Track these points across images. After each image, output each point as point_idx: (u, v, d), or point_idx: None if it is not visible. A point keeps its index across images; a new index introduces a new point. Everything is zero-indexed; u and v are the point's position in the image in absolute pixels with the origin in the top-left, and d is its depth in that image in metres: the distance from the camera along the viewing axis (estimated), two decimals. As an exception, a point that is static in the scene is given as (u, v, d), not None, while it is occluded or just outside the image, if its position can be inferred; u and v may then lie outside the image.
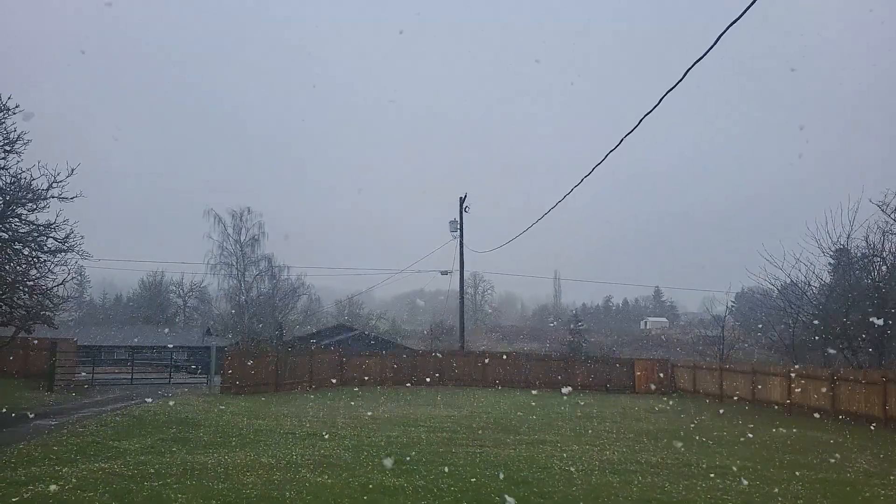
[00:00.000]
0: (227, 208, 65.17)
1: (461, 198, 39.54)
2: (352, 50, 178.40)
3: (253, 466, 10.14)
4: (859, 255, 27.82)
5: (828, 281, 29.90)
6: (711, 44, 8.26)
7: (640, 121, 10.99)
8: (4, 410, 16.62)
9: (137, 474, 9.25)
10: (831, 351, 26.97)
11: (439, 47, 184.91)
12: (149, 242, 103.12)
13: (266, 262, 62.03)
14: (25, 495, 7.87)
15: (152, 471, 9.53)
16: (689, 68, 8.95)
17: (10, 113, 22.08)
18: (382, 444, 13.10)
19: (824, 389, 22.69)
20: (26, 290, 23.45)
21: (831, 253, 28.46)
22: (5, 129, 22.15)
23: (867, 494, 9.80)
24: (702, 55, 8.61)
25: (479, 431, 15.89)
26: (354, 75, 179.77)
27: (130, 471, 9.48)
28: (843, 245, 27.72)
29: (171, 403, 20.66)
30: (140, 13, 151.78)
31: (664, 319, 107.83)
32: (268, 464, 10.43)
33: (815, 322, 28.11)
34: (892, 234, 25.53)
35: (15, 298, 23.50)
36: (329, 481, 9.27)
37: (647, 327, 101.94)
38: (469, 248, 39.46)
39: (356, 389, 30.45)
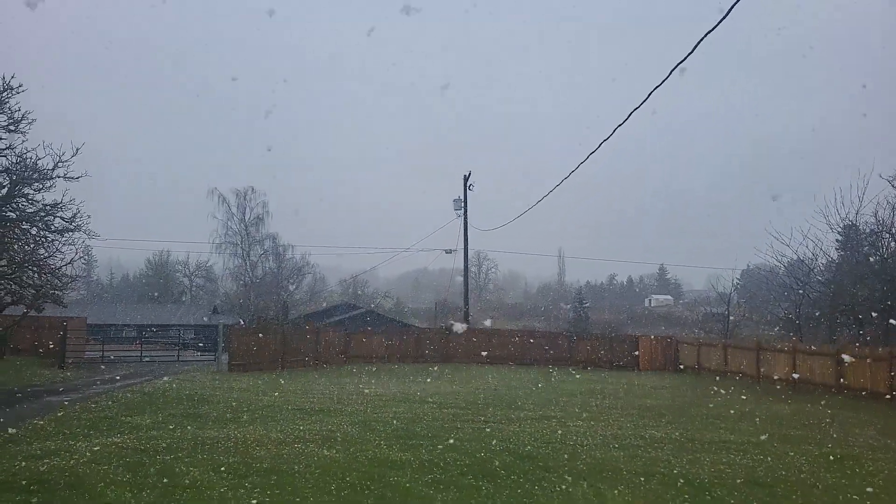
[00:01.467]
0: (232, 188, 65.29)
1: (465, 176, 39.49)
2: (356, 28, 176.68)
3: (262, 441, 10.29)
4: (868, 230, 27.70)
5: (835, 257, 29.85)
6: (723, 15, 8.18)
7: (628, 116, 11.04)
8: (17, 387, 16.87)
9: (150, 448, 9.40)
10: (837, 327, 27.01)
11: (443, 25, 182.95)
12: (154, 222, 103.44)
13: (270, 241, 62.37)
14: (41, 468, 8.03)
15: (164, 445, 9.68)
16: (697, 44, 8.88)
17: (13, 92, 22.08)
18: (389, 419, 13.24)
19: (830, 366, 22.78)
20: (35, 269, 23.65)
21: (839, 229, 28.40)
22: (9, 109, 22.14)
23: (870, 468, 9.89)
24: (712, 27, 8.53)
25: (484, 407, 16.03)
26: (360, 54, 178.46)
27: (143, 445, 9.64)
28: (851, 221, 27.64)
29: (181, 380, 20.91)
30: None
31: (669, 297, 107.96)
32: (277, 438, 10.57)
33: (822, 298, 28.12)
34: (902, 209, 25.39)
35: (24, 278, 23.72)
36: (337, 455, 9.41)
37: (652, 305, 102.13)
38: (473, 226, 39.56)
39: (362, 367, 30.71)
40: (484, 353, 35.18)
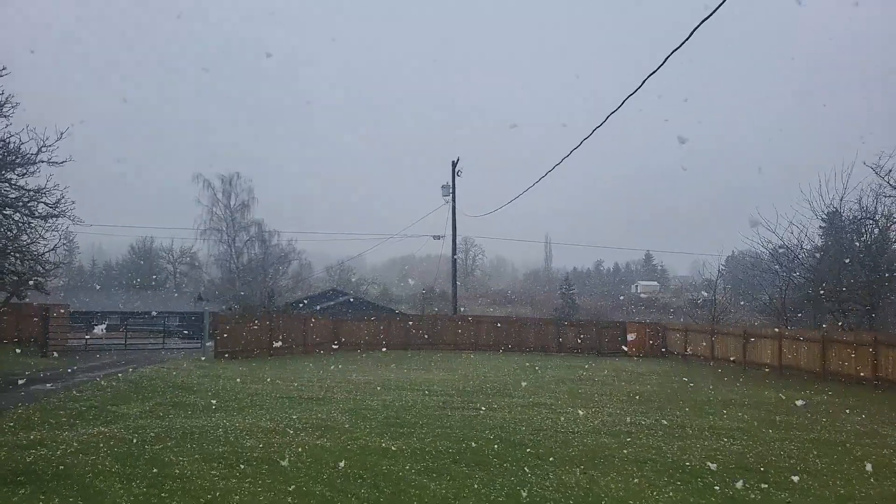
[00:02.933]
0: (217, 173, 64.60)
1: (453, 161, 39.32)
2: (345, 16, 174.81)
3: (252, 430, 10.20)
4: (852, 217, 27.94)
5: (820, 244, 30.09)
6: (718, 4, 8.10)
7: (622, 103, 11.09)
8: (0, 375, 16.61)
9: (138, 438, 9.28)
10: (822, 313, 27.28)
11: (432, 14, 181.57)
12: (138, 208, 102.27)
13: (256, 227, 61.76)
14: (28, 459, 7.89)
15: (152, 434, 9.57)
16: (692, 32, 8.79)
17: (-3, 75, 21.57)
18: (378, 407, 13.20)
19: (815, 351, 23.02)
20: (17, 255, 23.25)
21: (823, 216, 28.58)
22: (-8, 92, 21.65)
23: (858, 454, 9.99)
24: (707, 15, 8.45)
25: (474, 395, 16.03)
26: (346, 40, 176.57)
27: (130, 434, 9.51)
28: (835, 208, 27.81)
29: (167, 369, 20.71)
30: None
31: (655, 283, 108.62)
32: (266, 427, 10.49)
33: (807, 284, 28.37)
34: (885, 196, 25.60)
35: (6, 264, 23.31)
36: (328, 444, 9.35)
37: (638, 291, 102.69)
38: (461, 212, 39.41)
39: (350, 354, 30.63)
40: (472, 341, 35.21)
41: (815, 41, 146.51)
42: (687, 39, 8.91)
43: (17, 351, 24.00)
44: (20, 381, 15.74)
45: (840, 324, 26.35)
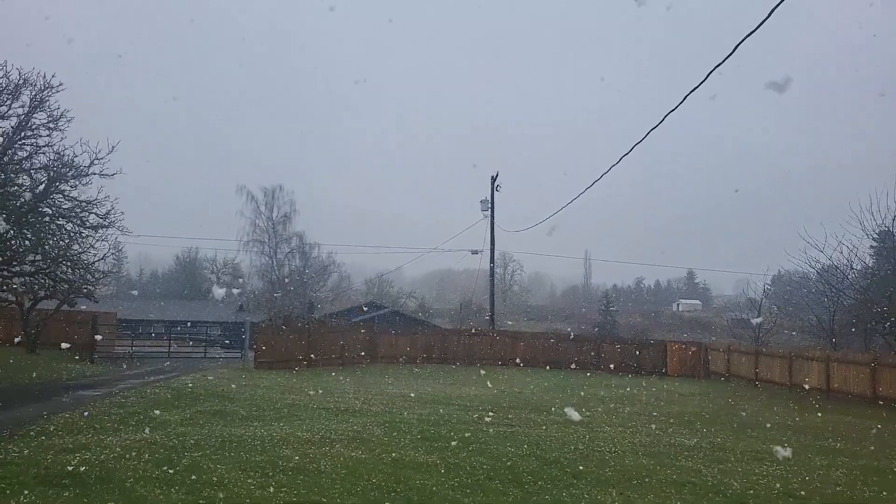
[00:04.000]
0: (260, 185, 65.95)
1: (493, 177, 39.33)
2: (385, 31, 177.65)
3: (288, 440, 10.30)
4: (904, 237, 26.97)
5: (870, 264, 29.11)
6: (763, 18, 7.98)
7: (663, 119, 10.90)
8: (48, 381, 17.18)
9: (178, 444, 9.46)
10: (873, 336, 26.30)
11: (474, 28, 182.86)
12: (184, 219, 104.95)
13: (297, 239, 62.64)
14: (73, 462, 8.12)
15: (192, 441, 9.74)
16: (734, 49, 8.67)
17: (53, 91, 22.48)
18: (414, 421, 13.19)
19: (865, 375, 22.19)
20: (69, 264, 24.08)
21: (875, 235, 27.66)
22: (49, 107, 22.56)
23: (910, 483, 9.57)
24: (749, 32, 8.33)
25: (510, 411, 15.91)
26: (386, 56, 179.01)
27: (171, 441, 9.71)
28: (887, 227, 26.91)
29: (208, 377, 21.11)
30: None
31: (697, 302, 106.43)
32: (303, 438, 10.58)
33: (857, 305, 27.43)
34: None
35: (58, 273, 24.15)
36: (363, 456, 9.38)
37: (680, 310, 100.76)
38: (499, 227, 39.39)
39: (386, 367, 30.75)
40: (508, 356, 34.99)
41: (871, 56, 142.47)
42: (730, 55, 8.79)
43: (66, 357, 24.77)
44: (68, 387, 16.25)
45: (893, 348, 25.36)
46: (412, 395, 18.57)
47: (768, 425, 15.45)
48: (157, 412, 12.88)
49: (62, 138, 23.23)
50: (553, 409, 16.69)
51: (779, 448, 10.88)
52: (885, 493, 8.78)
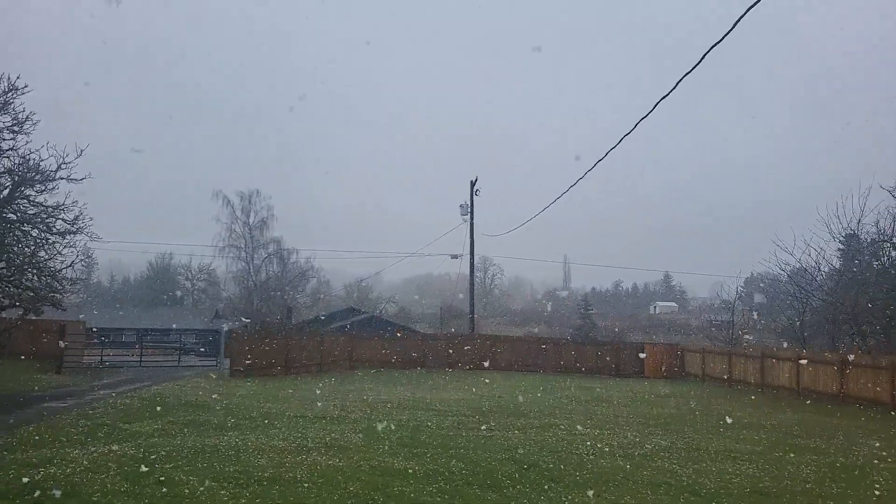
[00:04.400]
0: (236, 191, 65.30)
1: (472, 181, 39.37)
2: (357, 34, 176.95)
3: (264, 449, 10.17)
4: (869, 240, 27.61)
5: (837, 266, 29.71)
6: (729, 28, 8.08)
7: (635, 126, 11.02)
8: (13, 392, 16.75)
9: (148, 456, 9.28)
10: (840, 336, 26.82)
11: (446, 32, 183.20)
12: (157, 224, 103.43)
13: (275, 244, 62.19)
14: (37, 477, 7.91)
15: (163, 453, 9.56)
16: (703, 56, 8.78)
17: (18, 93, 22.03)
18: (392, 427, 13.11)
19: (833, 374, 22.59)
20: (35, 271, 23.56)
21: (841, 238, 28.28)
22: (14, 110, 22.10)
23: (875, 478, 9.74)
24: (717, 41, 8.43)
25: (489, 415, 15.89)
26: (363, 60, 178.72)
27: (141, 453, 9.52)
28: (853, 230, 27.53)
29: (181, 386, 20.78)
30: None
31: (674, 304, 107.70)
32: (279, 446, 10.45)
33: (825, 307, 27.96)
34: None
35: (23, 280, 23.62)
36: (340, 464, 9.29)
37: (657, 312, 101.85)
38: (479, 231, 39.40)
39: (366, 372, 30.57)
40: (488, 361, 35.01)
41: (835, 60, 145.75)
42: (699, 63, 8.90)
43: (33, 367, 24.19)
44: (34, 398, 15.88)
45: (859, 346, 25.89)
46: (391, 401, 18.48)
47: (740, 425, 15.63)
48: (127, 423, 12.63)
49: (27, 142, 22.79)
50: (531, 412, 16.72)
51: (752, 446, 10.99)
52: (850, 491, 8.91)
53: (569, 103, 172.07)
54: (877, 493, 8.76)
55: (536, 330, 67.54)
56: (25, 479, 7.78)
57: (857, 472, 10.17)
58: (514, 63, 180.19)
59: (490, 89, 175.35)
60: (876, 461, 11.23)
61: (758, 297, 47.44)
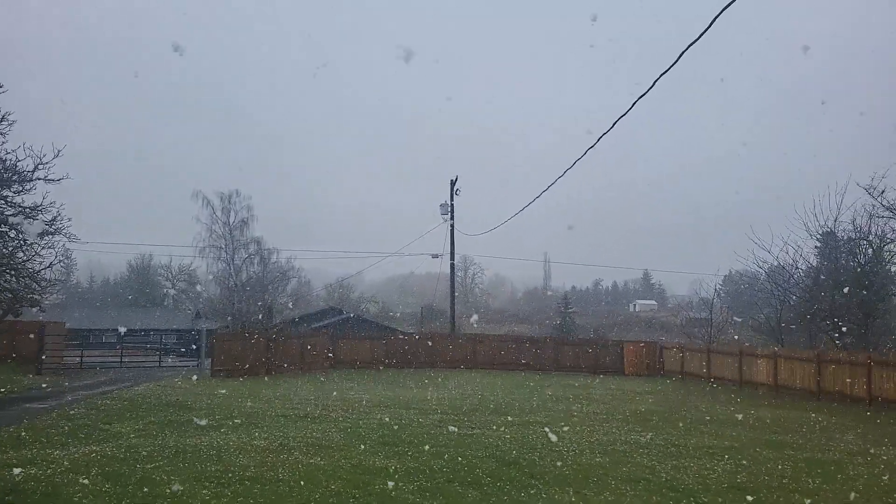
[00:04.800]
0: (216, 191, 64.82)
1: (452, 181, 39.45)
2: (338, 36, 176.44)
3: (245, 448, 10.17)
4: (846, 238, 28.07)
5: (815, 264, 30.20)
6: (705, 28, 8.23)
7: (614, 124, 11.15)
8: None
9: (129, 457, 9.25)
10: (817, 332, 27.29)
11: (425, 32, 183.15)
12: (137, 225, 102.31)
13: (255, 245, 61.69)
14: (17, 478, 7.85)
15: (144, 453, 9.53)
16: (680, 55, 8.93)
17: (-7, 93, 21.74)
18: (374, 426, 13.16)
19: (810, 371, 23.00)
20: (12, 272, 23.27)
21: (818, 236, 28.72)
22: (-11, 110, 21.81)
23: (851, 473, 9.98)
24: (693, 40, 8.58)
25: (470, 413, 15.99)
26: (344, 60, 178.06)
27: (122, 453, 9.48)
28: (830, 228, 27.97)
29: (162, 387, 20.64)
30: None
31: (653, 302, 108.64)
32: (260, 446, 10.46)
33: (802, 304, 28.42)
34: (878, 217, 25.76)
35: (1, 281, 23.32)
36: (322, 463, 9.32)
37: (637, 310, 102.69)
38: (460, 231, 39.49)
39: (347, 372, 30.55)
40: (469, 359, 35.13)
41: (813, 59, 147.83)
42: (675, 63, 9.05)
43: (12, 369, 23.90)
44: (13, 400, 15.71)
45: (836, 343, 26.38)
46: (372, 400, 18.50)
47: (719, 421, 15.88)
48: (108, 424, 12.56)
49: (3, 142, 22.51)
50: (512, 410, 16.84)
51: (729, 442, 11.18)
52: (826, 486, 9.12)
53: (561, 104, 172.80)
54: (859, 488, 8.95)
55: (516, 329, 67.86)
56: (6, 481, 7.73)
57: (833, 468, 10.40)
58: (509, 64, 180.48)
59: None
60: (852, 456, 11.49)
61: (736, 295, 48.08)
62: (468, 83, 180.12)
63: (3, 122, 22.12)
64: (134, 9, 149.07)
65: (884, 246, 26.93)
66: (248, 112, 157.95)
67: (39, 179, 22.75)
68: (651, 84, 9.62)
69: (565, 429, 13.58)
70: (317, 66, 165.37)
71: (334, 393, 20.32)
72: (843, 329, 26.30)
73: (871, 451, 12.23)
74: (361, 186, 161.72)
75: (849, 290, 25.36)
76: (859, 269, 26.50)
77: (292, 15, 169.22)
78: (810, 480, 9.37)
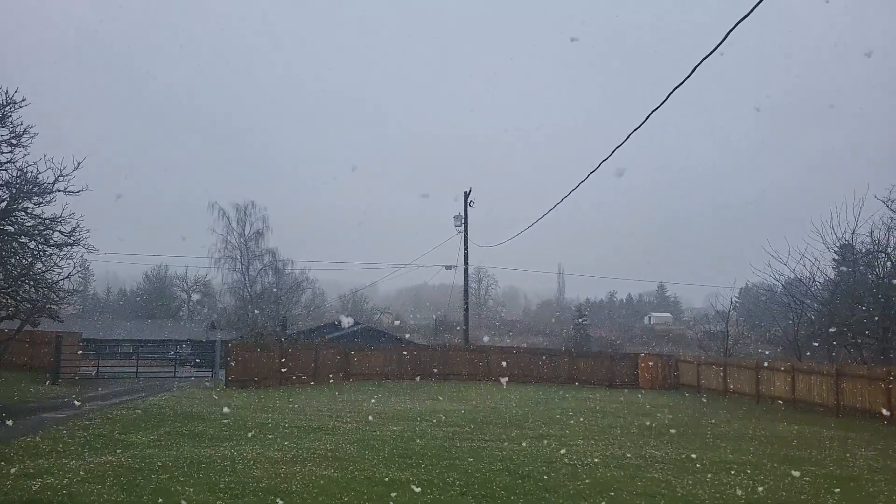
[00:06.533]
0: (232, 202, 65.37)
1: (466, 192, 39.51)
2: (355, 46, 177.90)
3: (259, 460, 10.19)
4: (864, 251, 27.73)
5: (832, 277, 29.84)
6: (720, 41, 8.23)
7: (628, 137, 11.09)
8: (10, 403, 16.72)
9: (145, 467, 9.29)
10: (835, 347, 26.91)
11: (439, 42, 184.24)
12: (153, 236, 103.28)
13: (270, 256, 62.07)
14: (34, 488, 7.92)
15: (159, 464, 9.58)
16: (695, 68, 8.93)
17: (16, 106, 22.06)
18: (387, 438, 13.14)
19: (829, 385, 22.67)
20: (32, 283, 23.54)
21: (836, 249, 28.38)
22: (11, 123, 22.14)
23: (871, 490, 9.81)
24: (708, 53, 8.58)
25: (484, 426, 15.92)
26: (358, 73, 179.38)
27: (138, 464, 9.53)
28: (847, 241, 27.64)
29: (177, 397, 20.75)
30: (146, 11, 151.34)
31: (668, 315, 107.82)
32: (274, 457, 10.47)
33: (820, 318, 28.06)
34: (896, 229, 25.42)
35: (20, 292, 23.60)
36: (335, 475, 9.31)
37: (651, 322, 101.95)
38: (473, 242, 39.47)
39: (361, 384, 30.54)
40: (483, 371, 34.99)
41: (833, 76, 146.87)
42: (689, 76, 9.04)
43: (29, 378, 24.13)
44: (31, 409, 15.85)
45: (856, 358, 26.00)
46: (386, 412, 18.48)
47: (736, 436, 15.69)
48: (124, 434, 12.63)
49: (25, 154, 22.81)
50: (526, 423, 16.75)
51: (747, 458, 11.04)
52: (846, 502, 8.97)
53: (572, 112, 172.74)
54: None
55: (528, 343, 67.52)
56: (23, 490, 7.79)
57: (852, 484, 10.23)
58: (510, 67, 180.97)
59: (490, 95, 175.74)
60: (871, 473, 11.29)
61: (752, 308, 47.57)
62: (495, 89, 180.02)
63: (24, 136, 22.46)
64: (153, 22, 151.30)
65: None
66: (264, 125, 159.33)
67: (59, 191, 23.04)
68: (665, 97, 9.64)
69: (580, 442, 13.48)
70: (321, 82, 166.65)
71: (347, 404, 20.32)
72: (863, 343, 25.92)
73: (892, 466, 12.02)
74: (377, 198, 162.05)
75: (868, 304, 25.02)
76: (878, 283, 26.15)
77: (289, 23, 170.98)
78: (829, 497, 9.21)
